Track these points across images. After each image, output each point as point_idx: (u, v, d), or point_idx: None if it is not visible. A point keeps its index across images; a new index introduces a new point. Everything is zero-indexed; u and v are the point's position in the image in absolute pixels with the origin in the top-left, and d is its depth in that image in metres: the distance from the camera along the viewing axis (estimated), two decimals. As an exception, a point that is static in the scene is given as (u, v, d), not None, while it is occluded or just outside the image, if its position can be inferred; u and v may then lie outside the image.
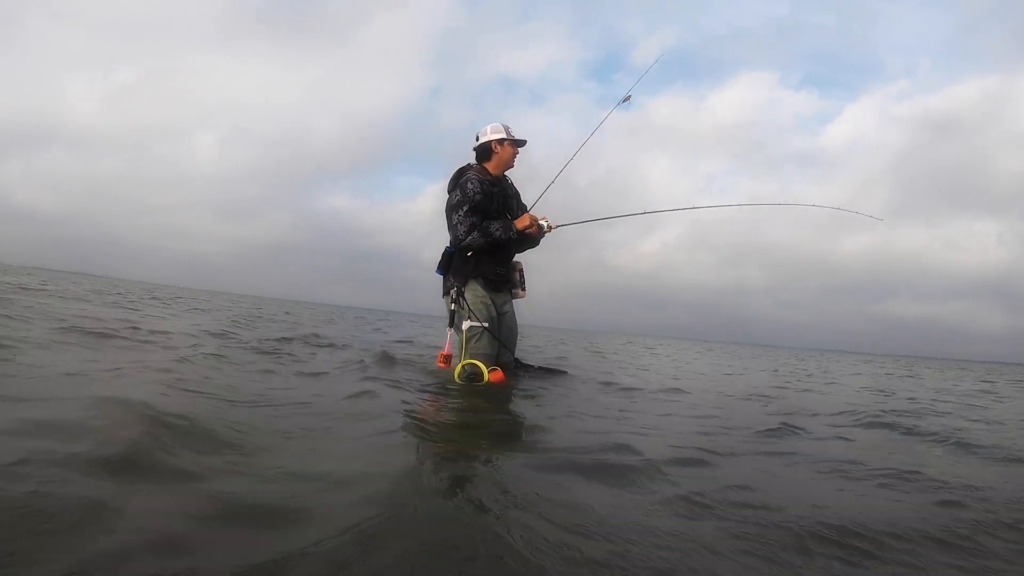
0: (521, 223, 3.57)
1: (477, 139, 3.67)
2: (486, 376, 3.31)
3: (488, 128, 3.63)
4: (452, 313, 3.53)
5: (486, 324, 3.47)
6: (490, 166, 3.65)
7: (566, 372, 4.37)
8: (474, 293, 3.54)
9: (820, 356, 28.50)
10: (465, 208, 3.46)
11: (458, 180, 3.59)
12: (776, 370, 9.43)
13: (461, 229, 3.47)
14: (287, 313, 14.91)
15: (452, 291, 3.54)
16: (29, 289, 9.35)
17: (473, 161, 3.72)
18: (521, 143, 3.68)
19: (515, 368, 3.78)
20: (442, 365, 3.63)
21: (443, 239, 3.67)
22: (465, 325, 3.48)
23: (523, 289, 3.76)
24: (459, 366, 3.41)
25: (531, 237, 3.62)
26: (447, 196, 3.62)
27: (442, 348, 3.70)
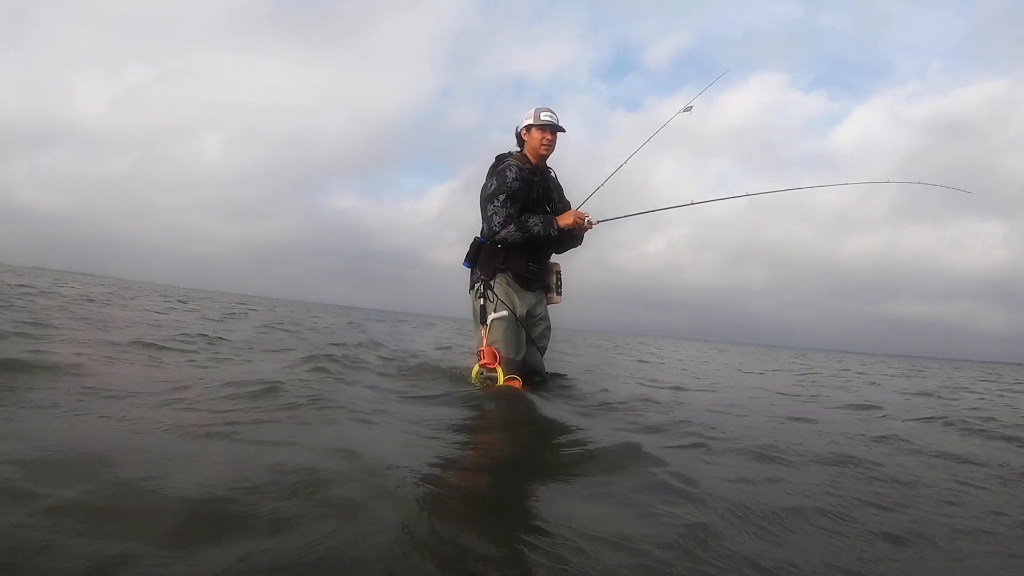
0: (564, 220, 3.30)
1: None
2: (500, 379, 3.12)
3: (525, 114, 3.40)
4: (481, 309, 3.29)
5: (507, 312, 3.25)
6: (527, 153, 3.41)
7: (565, 375, 4.03)
8: (502, 288, 3.30)
9: (844, 358, 27.48)
10: (502, 197, 3.19)
11: (496, 167, 3.36)
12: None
13: (496, 220, 3.20)
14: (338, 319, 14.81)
15: (478, 284, 3.32)
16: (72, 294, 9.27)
17: (516, 149, 3.48)
18: (547, 126, 3.32)
19: (548, 380, 3.55)
20: (491, 364, 3.24)
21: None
22: (490, 318, 3.25)
23: (559, 294, 3.51)
24: (476, 367, 3.24)
25: (574, 236, 3.40)
26: (484, 184, 3.37)
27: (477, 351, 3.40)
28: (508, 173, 3.24)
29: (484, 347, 3.26)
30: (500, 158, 3.42)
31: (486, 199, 3.29)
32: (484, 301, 3.31)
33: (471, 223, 3.50)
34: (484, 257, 3.34)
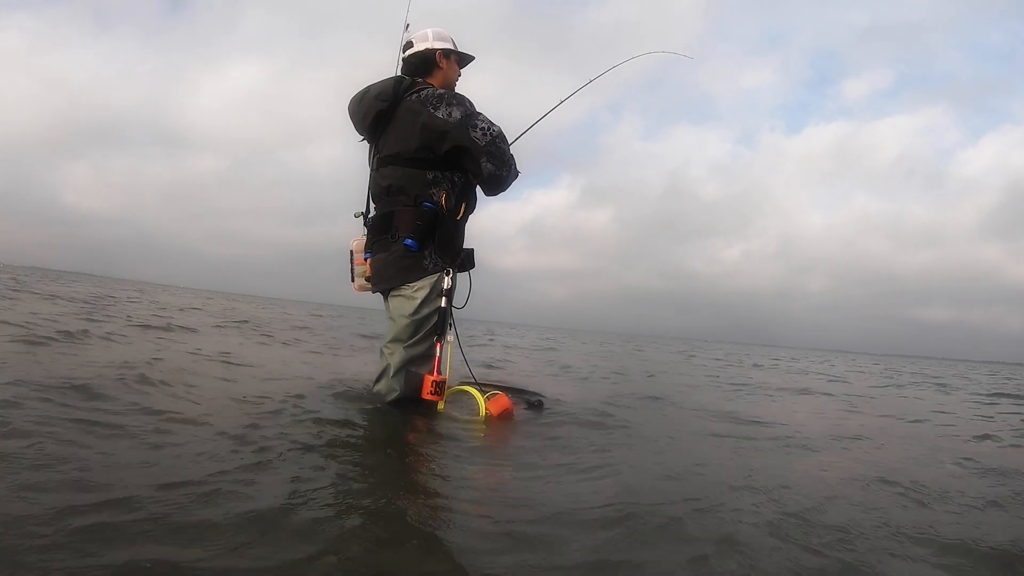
0: None
1: (409, 46, 2.62)
2: (482, 408, 2.53)
3: (430, 32, 2.61)
4: (443, 312, 2.45)
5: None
6: (434, 84, 2.59)
7: (542, 400, 3.26)
8: (464, 282, 2.60)
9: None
10: (496, 128, 2.45)
11: (441, 93, 2.46)
12: None
13: (515, 163, 2.54)
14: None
15: (443, 277, 2.46)
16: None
17: (398, 74, 2.61)
18: (468, 60, 2.72)
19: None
20: (434, 397, 2.45)
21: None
22: (449, 334, 2.51)
23: None
24: (481, 397, 2.57)
25: None
26: (418, 110, 2.40)
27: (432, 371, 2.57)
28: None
29: (437, 376, 2.43)
30: (404, 84, 2.49)
31: (466, 125, 2.37)
32: (448, 300, 2.47)
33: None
34: (448, 235, 2.49)
